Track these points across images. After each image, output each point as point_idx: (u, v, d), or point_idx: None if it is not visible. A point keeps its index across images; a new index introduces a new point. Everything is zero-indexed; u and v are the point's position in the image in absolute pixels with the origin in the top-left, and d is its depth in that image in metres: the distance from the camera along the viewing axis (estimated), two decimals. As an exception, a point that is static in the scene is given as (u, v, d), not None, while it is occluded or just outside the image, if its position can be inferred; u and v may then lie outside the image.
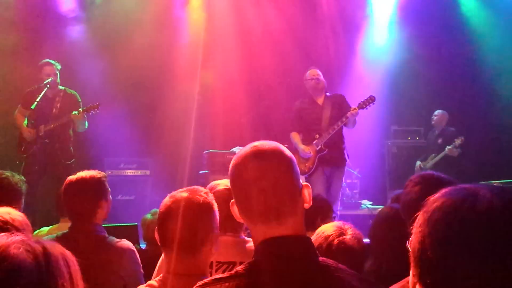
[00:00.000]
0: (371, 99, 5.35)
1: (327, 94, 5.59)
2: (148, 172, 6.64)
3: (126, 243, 2.39)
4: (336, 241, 1.86)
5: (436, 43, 7.78)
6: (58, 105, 5.40)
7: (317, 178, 5.34)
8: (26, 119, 5.44)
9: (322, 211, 2.99)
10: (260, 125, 6.77)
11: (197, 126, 7.39)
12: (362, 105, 5.32)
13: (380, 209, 2.20)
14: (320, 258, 1.24)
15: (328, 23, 8.01)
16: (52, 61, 5.40)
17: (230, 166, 1.30)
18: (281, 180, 1.24)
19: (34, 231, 3.25)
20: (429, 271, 0.84)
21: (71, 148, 5.55)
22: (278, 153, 1.28)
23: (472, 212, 0.81)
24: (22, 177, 2.88)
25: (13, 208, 1.87)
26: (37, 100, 4.89)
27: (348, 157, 5.59)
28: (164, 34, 7.54)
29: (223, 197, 2.35)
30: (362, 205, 6.91)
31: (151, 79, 7.49)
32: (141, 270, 2.38)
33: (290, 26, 7.91)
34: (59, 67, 5.44)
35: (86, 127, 5.48)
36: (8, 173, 2.78)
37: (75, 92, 5.56)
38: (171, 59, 7.51)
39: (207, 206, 1.72)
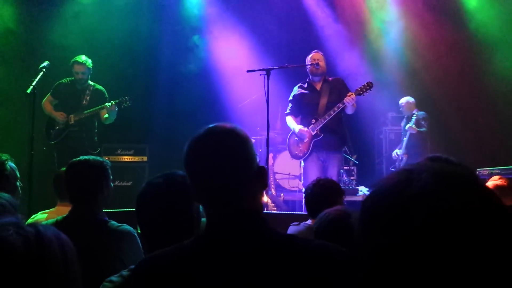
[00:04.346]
0: (369, 85, 5.33)
1: (327, 78, 5.57)
2: (145, 158, 6.61)
3: (127, 227, 2.38)
4: (342, 224, 1.85)
5: (430, 26, 7.73)
6: (88, 98, 5.80)
7: (312, 163, 5.38)
8: (53, 107, 5.82)
9: (336, 193, 2.93)
10: (257, 111, 6.73)
11: (194, 112, 7.35)
12: (360, 91, 5.30)
13: None
14: (276, 233, 1.24)
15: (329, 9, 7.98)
16: (82, 60, 5.72)
17: (185, 147, 1.32)
18: (233, 160, 1.25)
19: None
20: (363, 264, 0.75)
21: (96, 138, 5.91)
22: (231, 133, 1.29)
23: (401, 196, 0.71)
24: (9, 160, 2.78)
25: None
26: (33, 84, 4.86)
27: (348, 143, 5.59)
28: (162, 18, 7.49)
29: None
30: (359, 192, 6.93)
31: (149, 64, 7.44)
32: (142, 254, 2.36)
33: (295, 9, 7.87)
34: (90, 65, 5.77)
35: (114, 119, 5.76)
36: None
37: (103, 88, 5.92)
38: (168, 42, 7.46)
39: (184, 190, 1.67)
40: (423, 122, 6.89)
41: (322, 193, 2.80)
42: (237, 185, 1.25)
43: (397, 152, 7.23)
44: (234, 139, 1.28)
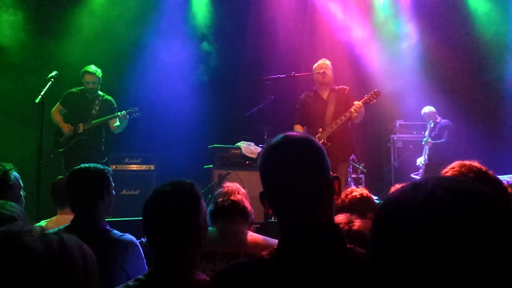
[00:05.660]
0: (376, 94, 5.31)
1: (334, 87, 5.54)
2: (152, 167, 6.60)
3: (129, 237, 2.36)
4: (346, 228, 1.84)
5: (441, 35, 7.70)
6: (97, 107, 5.87)
7: None
8: (62, 116, 5.90)
9: (364, 207, 2.88)
10: (265, 119, 6.72)
11: (202, 121, 7.36)
12: (367, 100, 5.28)
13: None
14: (349, 246, 1.24)
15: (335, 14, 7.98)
16: (93, 70, 5.81)
17: (261, 155, 1.31)
18: (311, 169, 1.25)
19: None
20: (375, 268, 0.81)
21: (104, 147, 5.99)
22: (308, 143, 1.29)
23: (409, 206, 0.78)
24: (13, 169, 2.76)
25: None
26: (41, 94, 4.90)
27: (355, 152, 5.55)
28: (169, 29, 7.53)
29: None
30: (367, 200, 6.86)
31: (156, 73, 7.48)
32: (145, 264, 2.35)
33: (298, 17, 7.87)
34: (100, 74, 5.87)
35: (124, 128, 5.86)
36: None
37: (112, 98, 6.01)
38: (175, 51, 7.49)
39: (192, 199, 1.69)
40: (444, 132, 6.84)
41: (350, 206, 2.77)
42: (314, 194, 1.24)
43: (420, 160, 7.14)
44: (312, 148, 1.28)
